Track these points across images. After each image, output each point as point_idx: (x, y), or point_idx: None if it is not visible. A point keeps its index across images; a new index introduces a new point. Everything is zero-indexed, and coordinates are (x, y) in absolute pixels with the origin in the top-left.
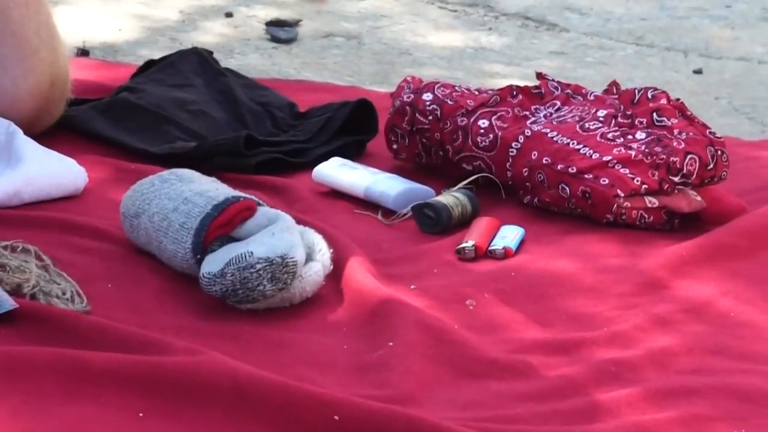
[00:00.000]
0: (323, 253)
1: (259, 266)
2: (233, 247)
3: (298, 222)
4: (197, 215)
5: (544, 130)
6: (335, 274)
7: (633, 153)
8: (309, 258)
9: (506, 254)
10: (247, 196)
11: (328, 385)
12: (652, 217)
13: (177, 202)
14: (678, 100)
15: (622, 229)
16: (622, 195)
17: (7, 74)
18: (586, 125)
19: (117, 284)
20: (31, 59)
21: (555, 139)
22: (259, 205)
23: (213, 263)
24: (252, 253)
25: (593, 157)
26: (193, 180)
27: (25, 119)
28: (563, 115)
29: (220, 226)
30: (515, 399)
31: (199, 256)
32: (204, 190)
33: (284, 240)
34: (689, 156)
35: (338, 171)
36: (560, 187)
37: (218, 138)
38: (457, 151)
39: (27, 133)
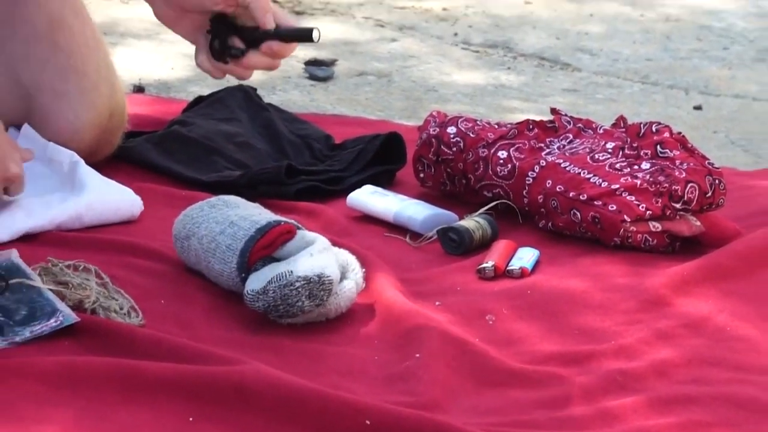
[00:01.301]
0: (356, 272)
1: (298, 284)
2: (275, 266)
3: (334, 244)
4: (242, 237)
5: (557, 161)
6: (367, 292)
7: (638, 182)
8: (343, 276)
9: (523, 274)
10: (288, 220)
11: (361, 393)
12: (655, 241)
13: (224, 225)
14: (680, 133)
15: (628, 252)
16: (629, 220)
17: (71, 108)
18: (596, 156)
19: (169, 300)
20: (91, 94)
21: (567, 168)
22: (299, 228)
23: (256, 281)
24: (292, 272)
25: (602, 185)
26: (238, 205)
27: (86, 149)
28: (575, 147)
29: (263, 248)
30: (532, 406)
31: (243, 275)
32: (248, 214)
33: (321, 260)
34: (690, 185)
35: (370, 198)
36: (572, 212)
37: (262, 167)
38: (479, 179)
39: (88, 161)
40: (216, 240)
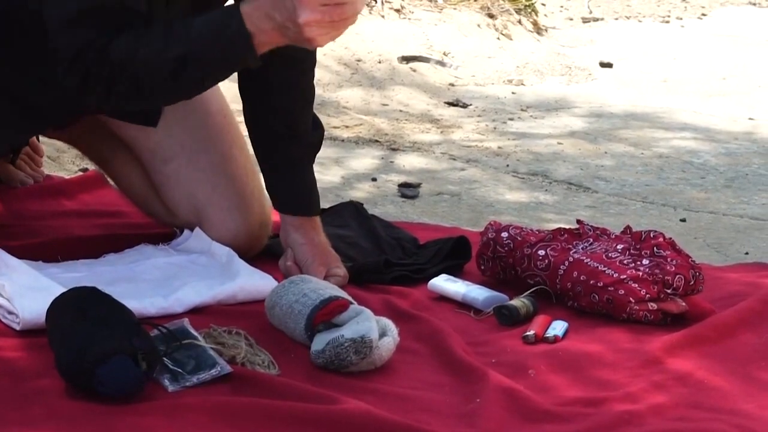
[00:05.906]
0: (393, 331)
1: (346, 344)
2: (331, 332)
3: (418, 317)
4: (309, 306)
5: (581, 258)
6: (442, 352)
7: (640, 273)
8: (383, 335)
9: (555, 340)
10: (345, 296)
11: (438, 426)
12: (652, 316)
13: (298, 296)
14: (670, 238)
15: (633, 324)
16: (633, 301)
17: (232, 220)
18: (610, 255)
19: (298, 355)
20: (247, 210)
21: (588, 263)
22: (351, 303)
23: (318, 343)
24: (343, 335)
25: (614, 276)
26: (311, 281)
27: (240, 248)
28: (594, 248)
29: (324, 315)
30: None
31: (308, 333)
32: (317, 288)
33: (364, 326)
34: (677, 276)
35: (445, 283)
36: (592, 295)
37: (366, 261)
38: (524, 270)
39: (241, 256)
40: (292, 307)
